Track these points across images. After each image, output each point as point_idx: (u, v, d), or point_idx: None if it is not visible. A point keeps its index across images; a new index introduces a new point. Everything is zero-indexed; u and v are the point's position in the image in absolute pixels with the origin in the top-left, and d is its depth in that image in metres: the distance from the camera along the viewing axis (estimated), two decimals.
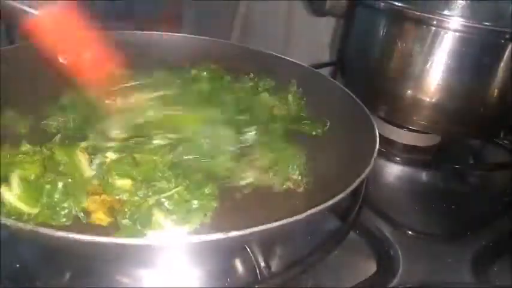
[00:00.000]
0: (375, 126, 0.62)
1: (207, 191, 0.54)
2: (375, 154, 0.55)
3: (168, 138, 0.62)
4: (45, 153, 0.54)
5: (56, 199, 0.50)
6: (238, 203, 0.59)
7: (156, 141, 0.60)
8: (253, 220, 0.42)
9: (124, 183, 0.53)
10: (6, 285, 0.48)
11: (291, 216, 0.43)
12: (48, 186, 0.50)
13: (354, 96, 0.70)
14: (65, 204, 0.50)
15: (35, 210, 0.50)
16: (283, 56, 0.82)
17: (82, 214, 0.51)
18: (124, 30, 0.86)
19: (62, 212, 0.50)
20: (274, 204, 0.60)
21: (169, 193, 0.52)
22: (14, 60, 0.69)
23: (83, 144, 0.55)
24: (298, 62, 0.81)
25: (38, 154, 0.55)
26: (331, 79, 0.78)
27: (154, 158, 0.56)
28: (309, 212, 0.44)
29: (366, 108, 0.67)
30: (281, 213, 0.43)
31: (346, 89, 0.73)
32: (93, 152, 0.54)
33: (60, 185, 0.50)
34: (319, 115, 0.75)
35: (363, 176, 0.51)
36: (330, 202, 0.46)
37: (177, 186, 0.53)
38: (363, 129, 0.63)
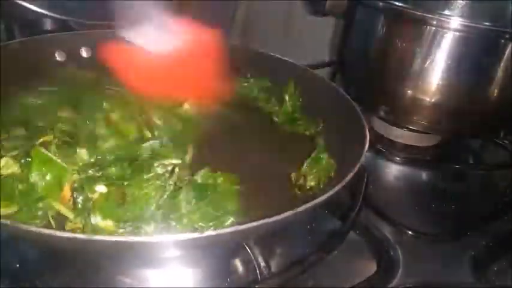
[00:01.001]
0: (365, 126, 0.62)
1: None
2: (363, 157, 0.55)
3: (171, 164, 0.55)
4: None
5: (31, 199, 0.49)
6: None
7: (157, 168, 0.53)
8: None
9: (107, 225, 0.48)
10: (6, 285, 0.48)
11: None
12: (21, 186, 0.49)
13: (348, 96, 0.70)
14: (40, 205, 0.49)
15: (11, 210, 0.48)
16: (280, 57, 0.82)
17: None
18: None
19: (38, 213, 0.49)
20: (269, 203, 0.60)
21: None
22: (13, 56, 0.70)
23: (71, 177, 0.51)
24: (295, 63, 0.81)
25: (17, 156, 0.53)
26: (327, 80, 0.78)
27: (146, 192, 0.50)
28: (298, 209, 0.44)
29: (357, 108, 0.67)
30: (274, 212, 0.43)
31: (339, 89, 0.73)
32: (80, 182, 0.51)
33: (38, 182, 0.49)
34: (314, 115, 0.76)
35: (351, 175, 0.51)
36: (315, 201, 0.46)
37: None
38: (355, 129, 0.63)
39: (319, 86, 0.76)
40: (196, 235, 0.40)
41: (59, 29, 0.87)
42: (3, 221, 0.39)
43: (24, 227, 0.39)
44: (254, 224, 0.41)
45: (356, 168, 0.52)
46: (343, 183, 0.49)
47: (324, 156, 0.65)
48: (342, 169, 0.63)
